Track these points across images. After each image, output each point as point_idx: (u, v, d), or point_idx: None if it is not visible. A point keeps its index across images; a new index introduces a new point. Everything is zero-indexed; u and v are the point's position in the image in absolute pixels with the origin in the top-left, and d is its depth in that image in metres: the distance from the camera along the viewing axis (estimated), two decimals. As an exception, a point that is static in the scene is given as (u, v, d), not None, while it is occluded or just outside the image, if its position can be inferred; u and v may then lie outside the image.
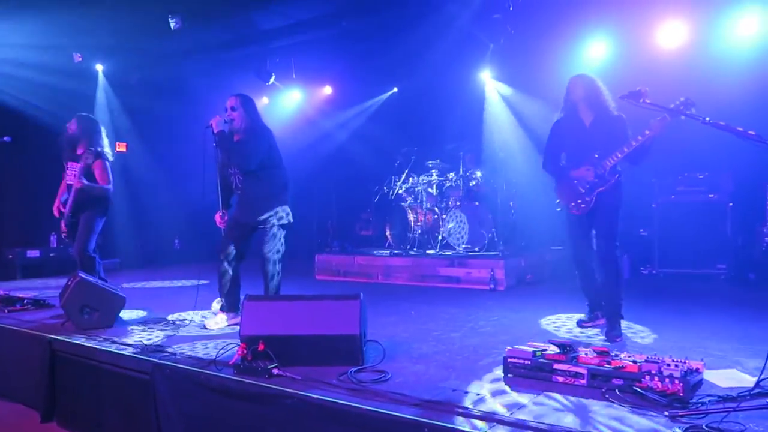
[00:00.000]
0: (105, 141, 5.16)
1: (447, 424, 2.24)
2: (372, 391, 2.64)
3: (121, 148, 9.01)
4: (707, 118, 2.65)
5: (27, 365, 4.14)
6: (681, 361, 2.56)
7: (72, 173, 4.95)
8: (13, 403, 4.31)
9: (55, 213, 5.13)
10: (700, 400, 2.38)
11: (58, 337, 3.96)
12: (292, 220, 4.35)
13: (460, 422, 2.26)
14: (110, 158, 5.12)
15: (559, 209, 4.04)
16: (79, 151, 5.05)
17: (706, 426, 2.10)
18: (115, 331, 4.15)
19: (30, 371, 4.10)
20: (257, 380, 2.84)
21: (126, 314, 4.64)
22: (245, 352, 2.99)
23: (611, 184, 3.77)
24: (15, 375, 4.34)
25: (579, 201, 3.86)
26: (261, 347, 2.98)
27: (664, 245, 6.91)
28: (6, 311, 4.93)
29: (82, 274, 4.36)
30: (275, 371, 2.88)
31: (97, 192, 4.94)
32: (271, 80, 8.94)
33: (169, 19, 6.61)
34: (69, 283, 4.34)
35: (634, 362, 2.62)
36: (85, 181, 4.82)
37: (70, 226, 5.02)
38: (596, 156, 3.76)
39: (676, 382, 2.41)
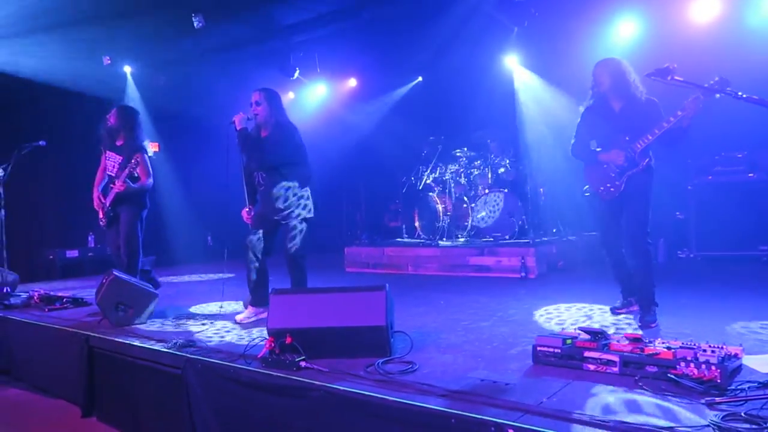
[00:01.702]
0: (144, 134, 5.19)
1: (474, 415, 2.21)
2: (399, 382, 2.63)
3: (154, 148, 9.19)
4: (741, 93, 2.53)
5: (67, 362, 4.26)
6: (718, 347, 2.47)
7: (112, 165, 5.01)
8: (56, 398, 4.45)
9: (95, 202, 5.13)
10: (738, 387, 2.29)
11: (95, 334, 4.06)
12: (313, 215, 4.34)
13: (487, 413, 2.22)
14: (149, 152, 5.14)
15: (587, 194, 3.95)
16: (118, 143, 5.08)
17: (745, 413, 2.01)
18: (149, 327, 4.24)
19: (70, 367, 4.22)
20: (285, 373, 2.85)
21: (159, 310, 4.73)
22: (273, 345, 3.01)
23: (641, 168, 3.67)
24: (56, 371, 4.48)
25: (608, 185, 3.76)
26: (288, 340, 3.00)
27: (701, 228, 6.70)
28: (46, 310, 5.08)
29: (116, 272, 4.45)
30: (303, 364, 2.89)
31: (138, 191, 5.00)
32: (296, 75, 8.97)
33: (193, 18, 6.68)
34: (104, 281, 4.44)
35: (669, 349, 2.54)
36: (129, 183, 4.88)
37: (109, 218, 5.09)
38: (627, 139, 3.66)
39: (713, 368, 2.32)
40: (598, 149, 3.82)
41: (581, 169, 4.02)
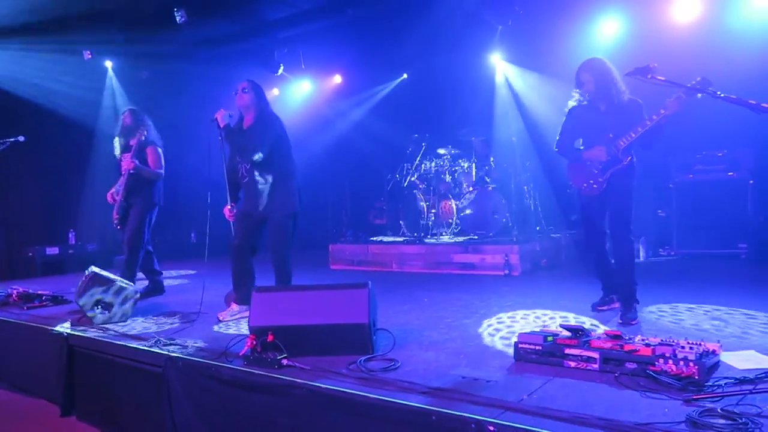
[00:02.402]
0: (155, 133, 5.38)
1: (455, 412, 2.21)
2: (381, 379, 2.63)
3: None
4: (719, 93, 2.56)
5: (46, 361, 4.20)
6: (696, 344, 2.50)
7: (125, 161, 5.13)
8: (35, 398, 4.38)
9: (109, 199, 5.25)
10: (716, 383, 2.32)
11: (75, 333, 4.01)
12: (299, 210, 4.32)
13: (468, 410, 2.23)
14: (160, 144, 5.32)
15: (569, 191, 3.99)
16: (132, 142, 5.25)
17: (721, 409, 2.04)
18: (129, 325, 4.19)
19: (49, 366, 4.16)
20: (267, 371, 2.84)
21: (140, 308, 4.68)
22: (255, 343, 2.99)
23: (624, 165, 3.71)
24: (35, 370, 4.41)
25: (591, 182, 3.81)
26: (270, 338, 2.98)
27: (682, 226, 6.79)
28: (25, 308, 5.00)
29: (95, 270, 4.39)
30: (284, 362, 2.88)
31: (147, 174, 5.16)
32: (280, 71, 8.92)
33: (175, 12, 6.60)
34: (84, 278, 4.38)
35: (648, 345, 2.56)
36: (136, 162, 5.06)
37: (123, 210, 5.19)
38: (611, 136, 3.70)
39: (691, 364, 2.35)
40: (582, 147, 3.86)
41: (565, 170, 4.06)
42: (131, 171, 5.05)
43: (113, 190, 5.23)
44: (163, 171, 5.29)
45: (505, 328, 3.62)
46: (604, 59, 3.84)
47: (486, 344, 3.25)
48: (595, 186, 3.79)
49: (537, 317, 3.92)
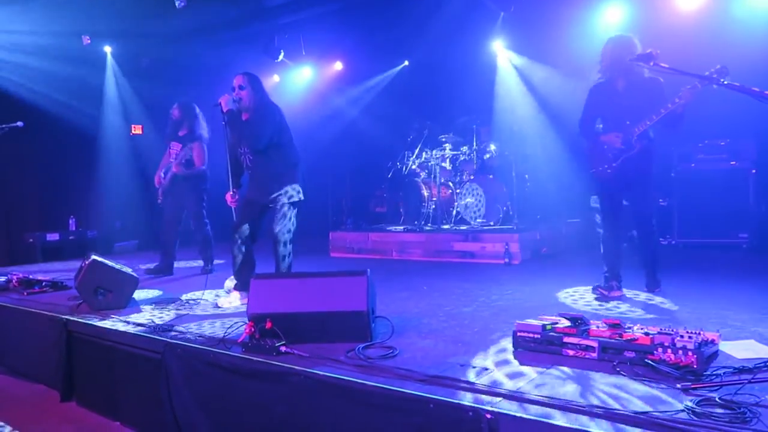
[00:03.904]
0: (203, 124, 5.77)
1: (453, 400, 2.21)
2: (379, 367, 2.62)
3: (137, 130, 9.08)
4: (723, 80, 2.53)
5: (45, 346, 4.21)
6: (695, 333, 2.49)
7: (174, 152, 5.68)
8: (34, 383, 4.40)
9: (156, 181, 5.88)
10: (714, 372, 2.32)
11: (74, 318, 4.01)
12: (303, 198, 4.31)
13: (466, 397, 2.23)
14: (206, 137, 5.80)
15: (592, 171, 4.12)
16: (181, 133, 5.76)
17: (720, 398, 2.03)
18: (129, 311, 4.19)
19: (48, 352, 4.17)
20: (265, 358, 2.84)
21: (140, 295, 4.68)
22: (253, 330, 2.99)
23: (638, 150, 3.81)
24: (35, 356, 4.42)
25: (606, 166, 3.97)
26: (268, 325, 2.97)
27: (683, 215, 6.77)
28: (25, 294, 5.00)
29: (95, 256, 4.39)
30: (283, 349, 2.88)
31: (196, 173, 5.69)
32: (281, 57, 8.86)
33: (174, -3, 6.55)
34: (83, 264, 4.38)
35: (647, 334, 2.55)
36: (183, 168, 5.64)
37: (165, 195, 5.85)
38: (627, 123, 3.80)
39: (690, 354, 2.34)
40: (600, 125, 3.99)
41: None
42: (175, 173, 5.63)
43: (160, 171, 5.81)
44: (205, 166, 5.71)
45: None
46: (631, 36, 3.86)
47: (485, 331, 3.24)
48: (609, 170, 3.95)
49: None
